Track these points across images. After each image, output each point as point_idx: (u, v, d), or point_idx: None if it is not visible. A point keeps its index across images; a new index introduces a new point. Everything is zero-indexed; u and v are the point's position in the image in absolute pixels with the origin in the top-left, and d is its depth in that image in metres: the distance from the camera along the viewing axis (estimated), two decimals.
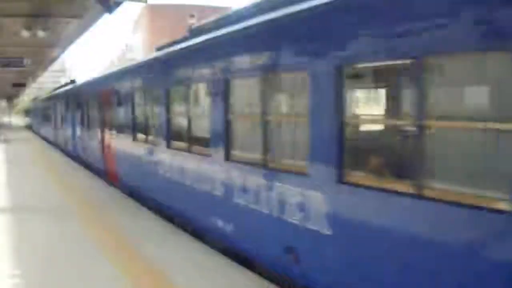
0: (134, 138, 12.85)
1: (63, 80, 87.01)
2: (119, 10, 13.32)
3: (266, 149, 6.86)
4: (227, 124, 7.80)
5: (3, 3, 14.14)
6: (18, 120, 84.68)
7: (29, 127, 61.36)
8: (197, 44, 9.06)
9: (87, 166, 19.87)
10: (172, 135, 10.30)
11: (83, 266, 7.54)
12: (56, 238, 9.15)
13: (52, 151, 28.69)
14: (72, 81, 27.41)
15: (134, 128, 12.88)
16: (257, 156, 7.02)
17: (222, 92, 7.83)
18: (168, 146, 10.26)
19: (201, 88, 9.11)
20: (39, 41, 18.72)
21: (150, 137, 11.63)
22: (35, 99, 55.55)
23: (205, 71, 8.43)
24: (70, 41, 21.72)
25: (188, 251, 8.23)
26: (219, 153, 7.95)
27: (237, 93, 7.88)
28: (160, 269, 7.34)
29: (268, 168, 6.76)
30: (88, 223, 10.26)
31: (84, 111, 20.11)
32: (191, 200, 9.22)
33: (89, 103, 18.93)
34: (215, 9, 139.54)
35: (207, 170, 8.42)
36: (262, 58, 6.74)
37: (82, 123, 20.54)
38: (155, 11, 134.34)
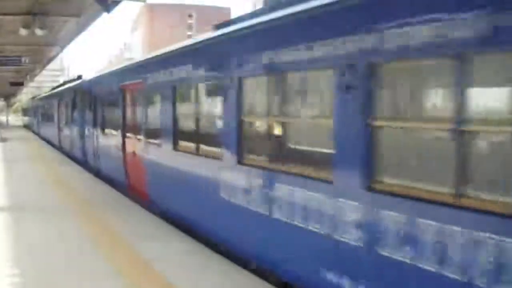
0: (176, 147, 9.92)
1: (62, 79, 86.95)
2: (117, 9, 13.16)
3: (463, 177, 4.25)
4: (369, 134, 5.07)
5: (1, 2, 14.08)
6: (15, 119, 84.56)
7: (27, 127, 60.93)
8: (312, 9, 5.95)
9: (99, 174, 16.96)
10: (247, 146, 7.50)
11: (82, 266, 7.49)
12: (54, 237, 9.10)
13: (51, 150, 28.56)
14: (79, 77, 24.52)
15: (176, 133, 9.95)
16: (441, 187, 4.47)
17: (363, 84, 5.13)
18: (241, 161, 7.40)
19: (313, 78, 6.34)
20: (37, 40, 18.65)
21: (205, 147, 8.84)
22: (34, 97, 55.07)
23: (324, 52, 5.64)
24: (69, 40, 21.65)
25: (188, 252, 8.17)
26: (353, 177, 5.25)
27: (396, 85, 5.23)
28: (159, 270, 7.28)
29: (467, 208, 4.18)
30: (87, 224, 10.21)
31: (97, 110, 17.01)
32: (284, 242, 6.44)
33: (105, 100, 15.93)
34: (213, 9, 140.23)
35: (322, 202, 5.68)
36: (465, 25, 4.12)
37: (94, 125, 17.39)
38: (153, 10, 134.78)
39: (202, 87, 9.10)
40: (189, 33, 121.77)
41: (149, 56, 12.21)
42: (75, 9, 15.44)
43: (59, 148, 28.02)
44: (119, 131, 13.92)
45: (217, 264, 7.54)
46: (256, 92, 7.56)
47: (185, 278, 6.93)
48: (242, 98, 7.43)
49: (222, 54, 8.00)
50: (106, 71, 17.13)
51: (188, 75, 9.20)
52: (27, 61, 22.97)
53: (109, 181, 15.45)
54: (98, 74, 18.73)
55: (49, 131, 33.21)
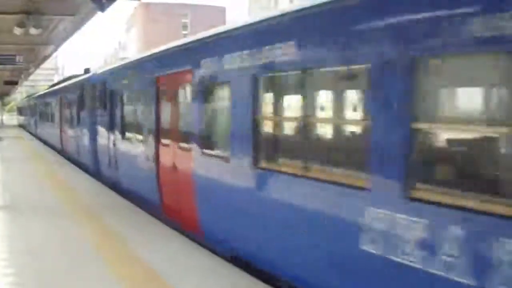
0: (259, 164, 6.73)
1: (56, 78, 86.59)
2: (112, 8, 12.83)
3: None
4: None
5: None
6: (10, 118, 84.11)
7: (23, 126, 60.10)
8: None
9: (116, 187, 13.87)
10: (431, 172, 4.69)
11: (80, 268, 7.47)
12: (52, 239, 9.07)
13: (49, 151, 28.37)
14: (87, 70, 22.00)
15: (259, 144, 6.79)
16: None
17: None
18: (413, 195, 4.52)
19: None
20: (32, 39, 18.60)
21: (324, 168, 5.80)
22: (31, 95, 54.42)
23: None
24: (63, 39, 21.60)
25: (189, 255, 8.08)
26: None
27: None
28: (161, 273, 7.24)
29: None
30: (87, 226, 10.18)
31: (114, 108, 14.00)
32: None
33: (127, 96, 13.07)
34: (208, 8, 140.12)
35: None
36: None
37: (110, 126, 14.30)
38: (148, 10, 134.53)
39: (317, 75, 5.99)
40: (184, 32, 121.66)
41: (207, 34, 8.70)
42: (69, 8, 15.42)
43: (61, 151, 25.06)
44: (151, 136, 10.71)
45: (219, 267, 7.47)
46: (457, 81, 4.61)
47: (188, 281, 6.87)
48: (417, 91, 4.55)
49: (365, 23, 5.08)
50: (130, 59, 14.04)
51: (288, 56, 6.11)
52: (21, 60, 22.92)
53: (131, 197, 12.42)
54: (117, 64, 15.47)
55: (49, 132, 29.97)
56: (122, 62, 14.66)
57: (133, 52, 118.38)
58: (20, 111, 69.87)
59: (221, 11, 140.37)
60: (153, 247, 8.35)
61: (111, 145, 14.24)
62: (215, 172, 7.96)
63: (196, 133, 8.64)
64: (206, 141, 8.42)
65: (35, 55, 26.20)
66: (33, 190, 14.16)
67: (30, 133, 46.37)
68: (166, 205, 10.10)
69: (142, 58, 12.46)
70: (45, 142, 32.39)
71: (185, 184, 9.02)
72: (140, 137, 11.69)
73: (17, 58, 22.62)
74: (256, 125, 6.79)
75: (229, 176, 7.49)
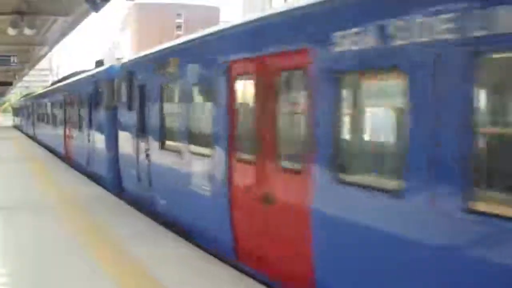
0: (475, 206, 3.71)
1: (51, 79, 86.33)
2: (106, 9, 12.72)
3: None
4: None
5: None
6: (5, 119, 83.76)
7: (19, 128, 58.79)
8: None
9: (150, 210, 10.71)
10: None
11: (73, 267, 7.47)
12: (46, 240, 9.07)
13: (45, 152, 28.25)
14: (99, 63, 18.74)
15: (483, 178, 3.86)
16: None
17: None
18: None
19: None
20: (26, 39, 18.63)
21: None
22: (29, 94, 53.69)
23: None
24: (57, 39, 21.63)
25: (180, 254, 8.05)
26: None
27: None
28: (154, 273, 7.26)
29: None
30: (81, 226, 10.19)
31: (146, 109, 10.82)
32: None
33: (171, 92, 9.95)
34: (202, 8, 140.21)
35: None
36: None
37: (140, 132, 11.15)
38: (142, 10, 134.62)
39: None
40: (178, 32, 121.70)
41: None
42: (63, 8, 15.45)
43: (64, 157, 21.79)
44: (217, 148, 7.66)
45: (208, 265, 7.46)
46: None
47: (180, 281, 6.87)
48: None
49: None
50: (178, 41, 10.36)
51: None
52: (15, 60, 22.93)
53: (175, 225, 9.42)
54: (153, 51, 11.42)
55: (51, 136, 26.30)
56: (162, 47, 10.89)
57: (128, 51, 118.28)
58: (16, 111, 67.69)
59: (215, 11, 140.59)
60: (148, 247, 8.35)
61: (141, 155, 11.11)
62: (367, 212, 4.94)
63: (324, 148, 5.48)
64: (345, 162, 5.35)
65: (30, 56, 26.21)
66: (30, 190, 14.13)
67: (28, 135, 43.16)
68: (245, 247, 7.16)
69: (199, 38, 8.85)
70: (44, 146, 29.45)
71: (290, 224, 6.11)
72: (195, 147, 8.56)
73: (12, 59, 22.63)
74: (476, 143, 3.87)
75: (402, 221, 4.53)
